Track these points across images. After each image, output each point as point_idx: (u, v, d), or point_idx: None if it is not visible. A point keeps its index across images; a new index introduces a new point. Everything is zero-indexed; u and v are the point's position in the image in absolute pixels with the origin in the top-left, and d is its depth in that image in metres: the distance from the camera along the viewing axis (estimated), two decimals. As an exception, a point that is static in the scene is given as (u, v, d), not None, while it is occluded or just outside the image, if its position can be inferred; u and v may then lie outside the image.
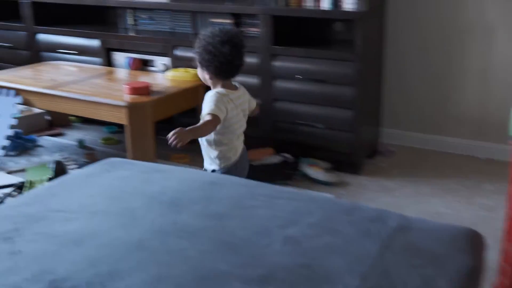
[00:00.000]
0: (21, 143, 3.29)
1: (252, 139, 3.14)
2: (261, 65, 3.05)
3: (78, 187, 1.70)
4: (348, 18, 2.87)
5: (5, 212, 1.56)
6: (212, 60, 2.09)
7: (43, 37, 3.86)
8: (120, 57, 3.54)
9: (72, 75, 3.33)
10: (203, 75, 2.19)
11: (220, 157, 2.17)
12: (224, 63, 2.09)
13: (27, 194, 1.72)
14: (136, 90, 2.83)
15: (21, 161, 3.15)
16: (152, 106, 2.76)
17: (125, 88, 2.85)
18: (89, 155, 3.18)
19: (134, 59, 3.45)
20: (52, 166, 2.49)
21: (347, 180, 2.90)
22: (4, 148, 3.06)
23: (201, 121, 2.07)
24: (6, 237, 1.39)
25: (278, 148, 3.06)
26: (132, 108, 2.72)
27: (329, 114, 2.93)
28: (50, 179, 2.43)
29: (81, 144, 3.37)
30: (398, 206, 2.57)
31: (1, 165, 3.06)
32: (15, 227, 1.44)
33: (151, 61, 3.45)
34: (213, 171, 2.17)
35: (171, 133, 1.96)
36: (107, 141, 3.46)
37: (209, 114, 2.05)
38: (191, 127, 2.04)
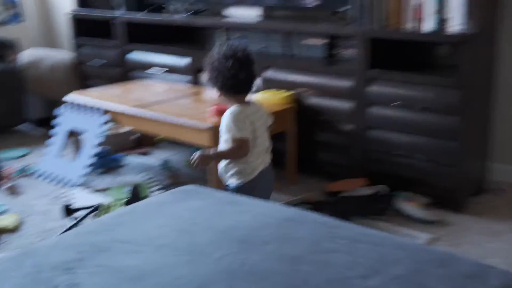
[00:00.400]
0: (108, 161, 3.38)
1: (342, 168, 3.05)
2: (355, 89, 2.94)
3: (148, 216, 1.67)
4: (454, 42, 2.71)
5: (71, 240, 1.55)
6: (218, 76, 2.16)
7: (134, 55, 3.97)
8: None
9: (160, 94, 3.38)
10: (216, 95, 2.23)
11: (236, 173, 2.21)
12: (229, 78, 2.14)
13: (97, 221, 1.72)
14: (222, 112, 2.79)
15: (106, 180, 3.23)
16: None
17: (211, 110, 2.84)
18: (172, 177, 3.20)
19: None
20: (129, 190, 2.51)
21: (448, 219, 2.71)
22: (90, 165, 3.14)
23: (228, 147, 2.14)
24: (67, 268, 1.38)
25: (370, 179, 2.93)
26: (216, 131, 2.70)
27: (429, 145, 2.76)
28: (127, 202, 2.44)
29: (165, 165, 3.40)
30: (507, 253, 2.36)
31: (87, 183, 3.14)
32: (78, 257, 1.43)
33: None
34: (228, 186, 2.24)
35: (196, 155, 2.10)
36: (191, 163, 3.47)
37: (233, 140, 2.11)
38: (217, 151, 2.17)
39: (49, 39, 5.24)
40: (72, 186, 3.10)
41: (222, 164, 2.25)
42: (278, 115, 2.94)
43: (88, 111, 3.23)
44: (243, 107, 2.20)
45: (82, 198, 2.94)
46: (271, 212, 1.68)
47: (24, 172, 3.33)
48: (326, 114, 3.06)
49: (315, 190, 3.00)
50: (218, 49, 2.19)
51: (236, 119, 2.15)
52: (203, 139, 2.75)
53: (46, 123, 3.38)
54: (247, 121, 2.17)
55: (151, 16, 3.86)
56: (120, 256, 1.43)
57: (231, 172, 2.23)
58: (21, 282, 1.35)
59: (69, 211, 2.54)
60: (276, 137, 3.04)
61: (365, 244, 1.45)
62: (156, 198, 1.85)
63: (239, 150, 2.14)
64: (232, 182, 2.24)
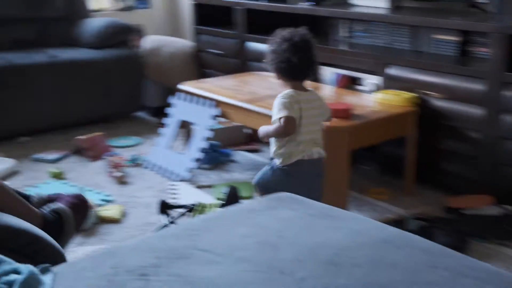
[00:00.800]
0: (216, 157, 3.40)
1: (466, 182, 2.84)
2: (488, 94, 2.72)
3: (236, 223, 1.63)
4: None
5: (153, 243, 1.55)
6: (274, 59, 2.25)
7: (252, 45, 3.96)
8: (328, 72, 3.48)
9: (274, 88, 3.33)
10: (276, 78, 2.33)
11: (278, 153, 2.29)
12: (283, 61, 2.21)
13: (185, 224, 1.72)
14: (335, 112, 2.71)
15: (212, 176, 3.25)
16: (351, 132, 2.63)
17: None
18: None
19: (342, 76, 3.36)
20: (225, 192, 2.50)
21: None
22: (197, 160, 3.18)
23: (274, 126, 2.24)
24: (142, 273, 1.37)
25: (498, 198, 2.70)
26: (331, 132, 2.62)
27: None
28: (222, 205, 2.43)
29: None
30: None
31: (193, 177, 3.18)
32: (155, 263, 1.42)
33: (360, 79, 3.33)
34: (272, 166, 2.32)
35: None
36: (302, 163, 3.41)
37: (279, 119, 2.20)
38: (265, 129, 2.29)
39: (173, 27, 5.41)
40: (178, 180, 3.15)
41: (271, 143, 2.34)
42: (396, 118, 2.81)
43: (200, 102, 3.27)
44: (295, 92, 2.25)
45: (185, 193, 2.98)
46: (368, 230, 1.58)
47: (134, 162, 3.43)
48: (453, 119, 2.87)
49: (433, 204, 2.83)
50: (280, 33, 2.27)
51: (285, 103, 2.22)
52: None
53: (162, 111, 3.47)
54: (296, 106, 2.22)
55: (273, 4, 3.83)
56: (197, 266, 1.40)
57: (275, 151, 2.31)
58: (96, 284, 1.36)
59: (164, 207, 2.57)
60: (395, 142, 2.92)
61: (471, 280, 1.31)
62: (247, 204, 1.81)
63: (282, 128, 2.21)
64: (275, 162, 2.32)
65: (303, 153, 2.27)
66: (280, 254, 1.44)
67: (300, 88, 2.29)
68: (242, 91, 3.28)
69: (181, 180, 3.14)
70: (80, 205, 2.08)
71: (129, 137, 3.97)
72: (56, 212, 2.00)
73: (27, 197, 2.03)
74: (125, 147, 3.78)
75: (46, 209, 1.99)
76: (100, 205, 2.86)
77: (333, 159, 2.62)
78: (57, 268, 1.43)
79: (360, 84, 3.32)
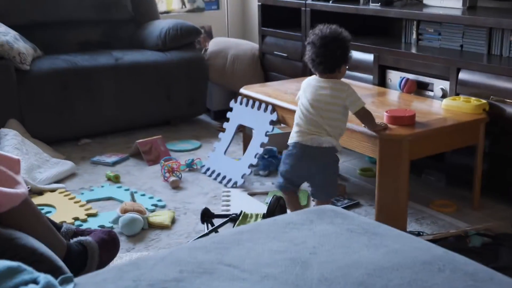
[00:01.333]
0: (273, 163, 3.34)
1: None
2: None
3: (268, 238, 1.57)
4: None
5: (180, 255, 1.51)
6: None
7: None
8: (395, 77, 3.36)
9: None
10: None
11: None
12: (307, 58, 2.50)
13: (217, 236, 1.67)
14: (397, 119, 2.62)
15: (267, 183, 3.20)
16: (412, 141, 2.52)
17: (385, 115, 2.66)
18: (338, 187, 3.07)
19: (409, 80, 3.23)
20: (268, 201, 2.43)
21: None
22: (251, 166, 3.14)
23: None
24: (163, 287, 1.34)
25: None
26: (385, 140, 2.53)
27: None
28: (265, 216, 2.37)
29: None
30: None
31: (247, 184, 3.15)
32: (177, 277, 1.38)
33: (428, 84, 3.19)
34: None
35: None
36: (365, 172, 3.31)
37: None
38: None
39: (242, 28, 5.41)
40: (231, 186, 3.12)
41: None
42: (466, 126, 2.69)
43: (259, 107, 3.23)
44: (310, 79, 2.53)
45: (237, 200, 2.94)
46: (409, 250, 1.48)
47: (190, 167, 3.43)
48: (528, 128, 2.70)
49: (502, 219, 2.67)
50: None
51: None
52: (371, 149, 2.59)
53: (224, 115, 3.46)
54: (300, 91, 2.53)
55: (339, 4, 3.75)
56: (220, 282, 1.35)
57: None
58: (115, 296, 1.34)
59: (206, 216, 2.53)
60: (464, 151, 2.78)
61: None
62: (285, 217, 1.75)
63: None
64: None
65: (298, 136, 2.43)
66: (309, 273, 1.38)
67: (321, 75, 2.50)
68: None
69: (235, 187, 3.10)
70: (109, 241, 2.09)
71: (189, 140, 3.98)
72: (82, 244, 2.01)
73: (58, 227, 2.05)
74: (183, 151, 3.79)
75: (74, 240, 2.01)
76: (151, 210, 2.86)
77: (392, 168, 2.52)
78: (78, 279, 1.41)
79: (429, 90, 3.19)
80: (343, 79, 2.58)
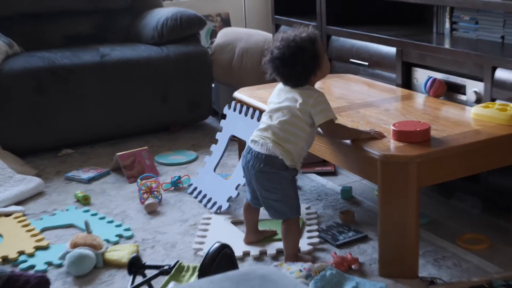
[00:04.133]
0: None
1: None
2: None
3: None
4: None
5: None
6: None
7: (338, 40, 3.60)
8: (422, 76, 3.02)
9: (346, 97, 2.96)
10: None
11: None
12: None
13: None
14: (404, 135, 2.28)
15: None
16: (421, 163, 2.18)
17: (391, 130, 2.33)
18: (345, 214, 2.76)
19: (436, 80, 2.88)
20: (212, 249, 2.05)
21: None
22: (239, 187, 2.87)
23: None
24: None
25: None
26: (387, 163, 2.20)
27: None
28: (201, 271, 1.98)
29: (346, 193, 2.97)
30: None
31: (232, 209, 2.89)
32: None
33: (460, 86, 2.83)
34: None
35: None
36: (381, 195, 2.98)
37: None
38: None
39: (262, 16, 5.12)
40: (216, 211, 2.86)
41: None
42: (500, 142, 2.32)
43: (252, 114, 2.95)
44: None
45: (216, 231, 2.67)
46: None
47: (175, 185, 3.18)
48: None
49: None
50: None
51: None
52: (369, 172, 2.29)
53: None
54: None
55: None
56: None
57: None
58: None
59: (135, 266, 2.22)
60: (506, 171, 2.44)
61: None
62: (217, 279, 1.45)
63: None
64: None
65: (251, 141, 2.37)
66: None
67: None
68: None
69: (218, 212, 2.84)
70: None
71: (184, 151, 3.73)
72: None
73: None
74: (175, 164, 3.55)
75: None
76: (114, 242, 2.62)
77: (396, 197, 2.21)
78: None
79: (460, 93, 2.83)
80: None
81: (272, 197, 2.34)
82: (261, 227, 2.61)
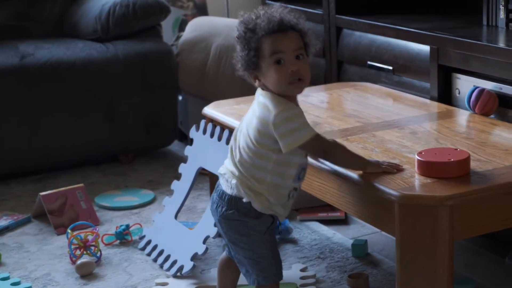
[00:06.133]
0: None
1: None
2: None
3: None
4: None
5: None
6: None
7: (348, 35, 3.69)
8: (466, 85, 3.10)
9: (359, 114, 3.04)
10: None
11: None
12: None
13: None
14: (433, 167, 2.33)
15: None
16: (456, 207, 2.22)
17: (416, 160, 2.39)
18: (356, 278, 2.81)
19: (484, 92, 2.95)
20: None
21: None
22: (207, 240, 2.95)
23: None
24: None
25: None
26: (407, 206, 2.24)
27: None
28: None
29: (359, 249, 3.03)
30: None
31: (201, 270, 2.98)
32: None
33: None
34: None
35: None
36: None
37: None
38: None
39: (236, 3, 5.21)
40: (176, 273, 2.92)
41: None
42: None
43: (228, 138, 3.02)
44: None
45: None
46: None
47: (123, 238, 3.25)
48: None
49: None
50: None
51: None
52: (375, 218, 2.40)
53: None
54: None
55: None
56: None
57: None
58: None
59: None
60: None
61: None
62: None
63: None
64: None
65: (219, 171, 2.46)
66: None
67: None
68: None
69: (179, 275, 2.91)
70: None
71: (136, 190, 3.81)
72: None
73: None
74: (122, 208, 3.62)
75: None
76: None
77: (421, 255, 2.26)
78: None
79: (518, 108, 2.92)
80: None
81: (241, 253, 2.38)
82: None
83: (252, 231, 2.34)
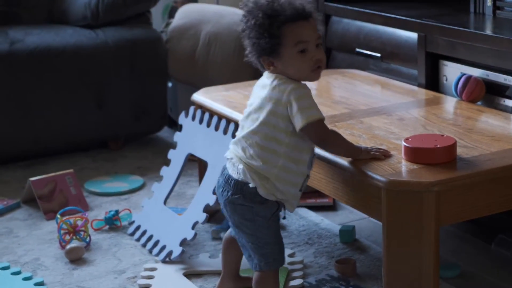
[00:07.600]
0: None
1: None
2: None
3: None
4: None
5: None
6: None
7: (336, 22, 3.71)
8: (453, 72, 3.12)
9: (346, 101, 3.06)
10: None
11: None
12: None
13: None
14: (419, 153, 2.35)
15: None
16: (442, 193, 2.24)
17: (402, 146, 2.41)
18: (344, 264, 2.83)
19: (471, 79, 2.97)
20: None
21: None
22: (196, 225, 2.95)
23: None
24: None
25: None
26: (393, 192, 2.26)
27: None
28: None
29: (347, 235, 3.05)
30: None
31: (189, 256, 2.99)
32: None
33: (504, 87, 2.93)
34: None
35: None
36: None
37: None
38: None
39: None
40: (165, 258, 2.93)
41: None
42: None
43: (217, 125, 3.03)
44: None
45: (164, 286, 2.76)
46: None
47: (112, 223, 3.27)
48: None
49: None
50: None
51: None
52: (364, 205, 2.41)
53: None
54: None
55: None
56: None
57: None
58: None
59: None
60: None
61: None
62: None
63: None
64: None
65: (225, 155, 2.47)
66: None
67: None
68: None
69: (168, 260, 2.92)
70: None
71: (125, 176, 3.83)
72: None
73: None
74: (111, 194, 3.64)
75: None
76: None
77: (407, 240, 2.28)
78: None
79: (505, 96, 2.93)
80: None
81: (244, 237, 2.41)
82: (243, 272, 2.69)
83: (257, 216, 2.37)
